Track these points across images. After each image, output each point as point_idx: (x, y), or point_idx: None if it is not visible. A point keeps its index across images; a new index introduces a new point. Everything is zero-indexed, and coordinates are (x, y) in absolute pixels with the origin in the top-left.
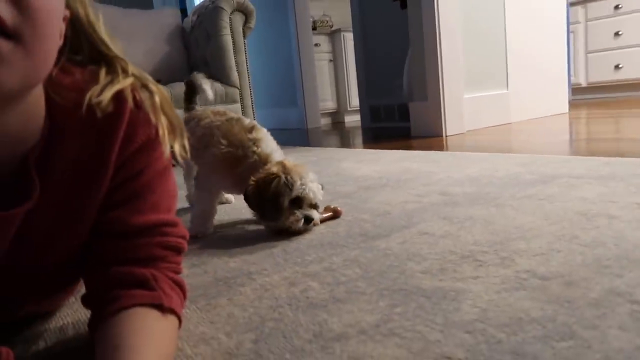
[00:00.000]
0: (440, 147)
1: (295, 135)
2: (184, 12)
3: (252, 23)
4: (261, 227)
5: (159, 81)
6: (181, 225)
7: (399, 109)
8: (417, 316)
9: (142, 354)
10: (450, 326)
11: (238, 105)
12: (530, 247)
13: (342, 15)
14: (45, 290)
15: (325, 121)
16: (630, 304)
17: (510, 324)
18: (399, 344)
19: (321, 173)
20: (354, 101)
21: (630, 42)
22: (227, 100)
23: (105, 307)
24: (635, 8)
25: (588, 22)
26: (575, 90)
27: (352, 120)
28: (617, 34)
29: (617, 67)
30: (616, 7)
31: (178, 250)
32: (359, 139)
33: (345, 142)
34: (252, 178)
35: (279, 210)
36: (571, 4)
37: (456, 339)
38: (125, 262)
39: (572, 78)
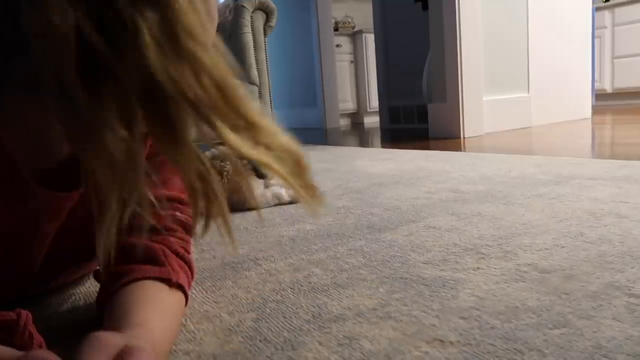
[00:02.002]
0: (457, 148)
1: (313, 134)
2: None
3: (273, 22)
4: (272, 218)
5: None
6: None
7: (418, 111)
8: (415, 302)
9: (149, 322)
10: (446, 312)
11: (257, 103)
12: (534, 242)
13: (364, 16)
14: (73, 267)
15: (344, 122)
16: (628, 297)
17: (505, 312)
18: (394, 327)
19: (335, 170)
20: (374, 103)
21: None
22: None
23: (115, 281)
24: None
25: (615, 27)
26: (600, 95)
27: (372, 121)
28: None
29: None
30: None
31: (187, 228)
32: (376, 139)
33: (362, 141)
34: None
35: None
36: (597, 9)
37: (450, 324)
38: (135, 230)
39: (597, 83)
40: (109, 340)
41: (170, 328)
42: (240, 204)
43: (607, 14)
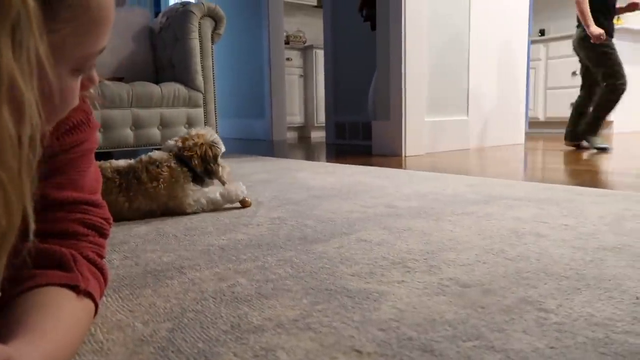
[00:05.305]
0: (397, 165)
1: (259, 146)
2: (158, 15)
3: (222, 30)
4: (204, 226)
5: (121, 79)
6: (106, 209)
7: (363, 127)
8: (337, 313)
9: (44, 330)
10: (366, 324)
11: (201, 110)
12: (459, 257)
13: (315, 32)
14: None
15: (291, 135)
16: (538, 312)
17: (423, 324)
18: (312, 338)
19: (276, 181)
20: (321, 117)
21: None
22: (190, 104)
23: (17, 286)
24: None
25: (549, 60)
26: (533, 123)
27: (318, 136)
28: (574, 73)
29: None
30: None
31: (100, 232)
32: (320, 154)
33: (306, 155)
34: (189, 152)
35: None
36: (533, 42)
37: (369, 335)
38: (42, 235)
39: (530, 112)
40: None
41: (70, 338)
42: (176, 209)
43: (542, 47)
